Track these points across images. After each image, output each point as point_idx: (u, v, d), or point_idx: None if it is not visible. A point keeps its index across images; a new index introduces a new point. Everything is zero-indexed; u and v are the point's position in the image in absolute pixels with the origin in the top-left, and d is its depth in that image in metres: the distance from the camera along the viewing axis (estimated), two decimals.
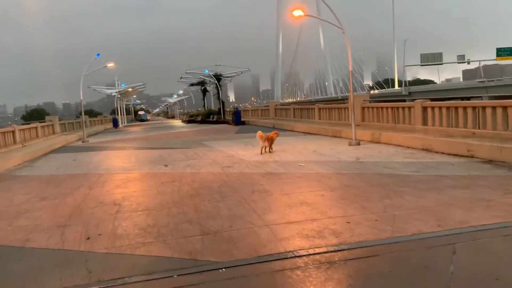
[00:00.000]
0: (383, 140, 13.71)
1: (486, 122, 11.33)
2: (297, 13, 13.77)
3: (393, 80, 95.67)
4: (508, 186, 6.89)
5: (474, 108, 11.81)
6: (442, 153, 10.78)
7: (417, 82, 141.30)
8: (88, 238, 5.48)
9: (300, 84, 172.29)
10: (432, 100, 14.49)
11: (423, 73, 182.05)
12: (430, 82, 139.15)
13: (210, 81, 48.63)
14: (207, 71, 45.13)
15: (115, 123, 45.77)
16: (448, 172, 8.43)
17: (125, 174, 10.89)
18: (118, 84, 54.11)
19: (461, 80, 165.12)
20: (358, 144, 13.59)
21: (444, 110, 12.89)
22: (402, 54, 77.69)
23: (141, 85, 59.45)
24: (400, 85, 79.44)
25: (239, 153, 13.61)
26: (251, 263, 4.25)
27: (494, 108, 11.18)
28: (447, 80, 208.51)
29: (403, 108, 14.95)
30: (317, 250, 4.45)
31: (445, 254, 4.15)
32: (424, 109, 13.68)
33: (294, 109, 28.39)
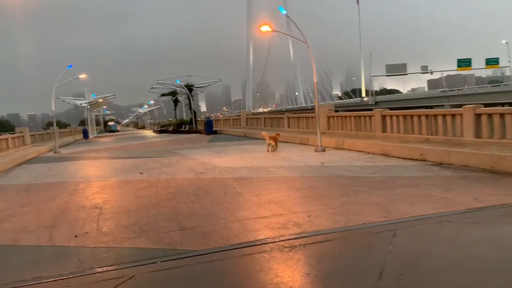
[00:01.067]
0: (346, 147, 14.69)
1: (438, 129, 12.47)
2: (265, 28, 14.70)
3: (360, 90, 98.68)
4: (450, 184, 7.86)
5: (427, 116, 12.96)
6: (399, 157, 11.79)
7: (384, 91, 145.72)
8: (76, 236, 6.03)
9: (271, 94, 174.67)
10: (391, 109, 15.63)
11: (390, 83, 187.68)
12: (396, 91, 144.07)
13: (181, 91, 49.07)
14: (178, 81, 45.60)
15: (85, 134, 45.47)
16: (400, 173, 9.39)
17: (102, 181, 11.36)
18: (88, 95, 53.71)
19: (426, 89, 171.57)
20: (324, 150, 14.51)
21: (401, 118, 14.01)
22: (369, 65, 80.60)
23: (111, 95, 59.23)
24: (367, 95, 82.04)
25: (212, 160, 14.28)
26: (225, 250, 4.95)
27: (444, 116, 12.34)
28: (413, 89, 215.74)
29: (365, 116, 16.04)
30: (281, 238, 5.19)
31: (387, 237, 4.97)
32: (383, 117, 14.79)
33: (264, 118, 29.30)
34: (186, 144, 23.94)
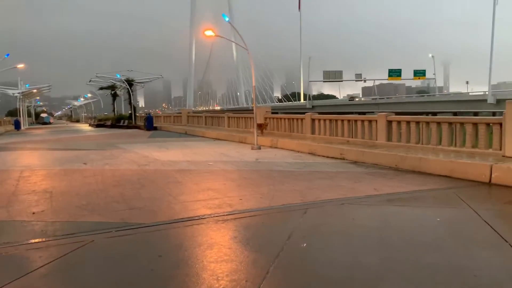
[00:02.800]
0: (280, 146, 16.18)
1: (357, 133, 14.28)
2: (208, 33, 15.77)
3: (299, 94, 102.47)
4: (359, 178, 9.46)
5: (349, 121, 14.75)
6: (323, 156, 13.39)
7: (321, 96, 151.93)
8: (34, 213, 6.80)
9: (213, 93, 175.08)
10: (322, 113, 17.36)
11: (327, 89, 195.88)
12: (333, 97, 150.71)
13: (121, 85, 48.56)
14: (119, 75, 45.16)
15: (17, 125, 43.66)
16: (321, 169, 10.93)
17: (46, 170, 11.86)
18: (21, 84, 51.34)
19: (361, 96, 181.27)
20: (259, 148, 15.87)
21: (327, 122, 15.74)
22: (307, 70, 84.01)
23: (46, 86, 57.01)
24: (305, 99, 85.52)
25: (153, 154, 15.11)
26: (169, 223, 6.04)
27: (362, 121, 14.17)
28: (349, 95, 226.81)
29: (297, 119, 17.66)
30: (217, 215, 6.37)
31: (299, 214, 6.32)
32: (313, 120, 16.46)
33: (206, 116, 30.27)
34: (126, 139, 24.33)
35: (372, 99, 72.92)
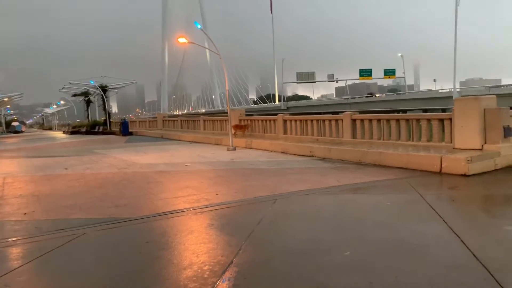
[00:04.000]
0: (254, 146, 17.00)
1: (326, 131, 15.24)
2: (182, 40, 16.46)
3: (274, 95, 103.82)
4: (324, 172, 10.36)
5: (317, 121, 15.72)
6: (294, 154, 14.27)
7: (296, 97, 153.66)
8: (25, 213, 7.38)
9: (188, 96, 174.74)
10: (294, 114, 18.28)
11: (302, 90, 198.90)
12: (307, 97, 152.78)
13: (94, 91, 48.50)
14: (93, 82, 45.15)
15: None
16: (292, 166, 11.80)
17: (29, 176, 12.31)
18: None
19: (334, 96, 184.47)
20: (234, 149, 16.65)
21: (298, 122, 16.67)
22: (281, 71, 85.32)
23: (18, 94, 56.27)
24: (280, 100, 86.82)
25: (132, 158, 15.69)
26: (153, 216, 6.76)
27: (330, 121, 15.15)
28: (323, 96, 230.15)
29: (270, 121, 18.54)
30: (195, 207, 7.12)
31: (269, 204, 7.13)
32: (285, 121, 17.37)
33: (181, 120, 30.84)
34: (103, 145, 24.69)
35: (344, 98, 74.67)
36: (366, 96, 76.62)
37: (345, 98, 74.33)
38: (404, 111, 53.99)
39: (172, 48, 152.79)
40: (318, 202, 7.33)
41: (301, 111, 69.97)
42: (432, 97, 58.87)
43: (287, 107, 76.50)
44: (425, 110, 50.55)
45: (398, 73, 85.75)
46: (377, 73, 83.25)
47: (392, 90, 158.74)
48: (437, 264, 4.14)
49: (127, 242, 5.50)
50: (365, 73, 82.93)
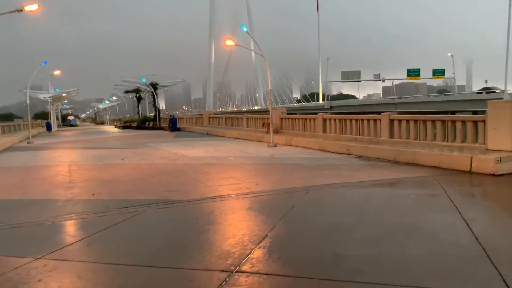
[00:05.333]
0: (293, 143, 17.85)
1: (364, 131, 15.83)
2: (229, 43, 17.57)
3: (318, 94, 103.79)
4: (359, 169, 11.07)
5: (356, 120, 16.32)
6: (332, 152, 14.99)
7: (341, 96, 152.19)
8: (93, 194, 8.67)
9: (232, 95, 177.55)
10: (332, 113, 18.93)
11: (347, 89, 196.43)
12: (352, 97, 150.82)
13: (145, 89, 50.97)
14: (144, 79, 47.64)
15: (49, 127, 46.66)
16: (328, 162, 12.57)
17: (90, 164, 13.84)
18: (51, 88, 54.48)
19: (381, 95, 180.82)
20: (275, 146, 17.57)
21: (337, 121, 17.34)
22: (326, 70, 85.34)
23: (75, 90, 60.08)
24: (323, 99, 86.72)
25: (180, 151, 17.00)
26: (201, 199, 7.82)
27: (368, 120, 15.72)
28: (369, 95, 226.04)
29: (310, 119, 19.31)
30: (237, 194, 8.12)
31: (303, 193, 8.01)
32: (324, 120, 18.08)
33: (226, 118, 32.15)
34: (153, 139, 26.38)
35: (390, 98, 73.57)
36: (391, 98, 74.97)
37: (391, 98, 73.26)
38: (453, 113, 52.79)
39: (219, 47, 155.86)
40: (347, 193, 8.12)
41: (345, 110, 69.81)
42: (482, 99, 56.93)
43: (331, 106, 76.34)
44: (474, 112, 49.15)
45: (448, 73, 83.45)
46: (426, 73, 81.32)
47: (441, 91, 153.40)
48: (441, 243, 4.88)
49: (181, 218, 6.60)
50: (413, 73, 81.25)
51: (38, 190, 9.40)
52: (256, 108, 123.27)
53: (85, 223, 6.52)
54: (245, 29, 17.96)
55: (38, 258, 4.74)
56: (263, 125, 22.45)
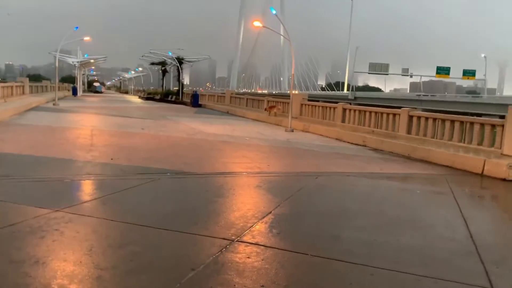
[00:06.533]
0: (311, 130, 18.00)
1: (382, 124, 15.86)
2: (257, 24, 17.67)
3: (343, 84, 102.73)
4: (372, 161, 11.21)
5: (375, 113, 16.35)
6: (348, 142, 15.09)
7: (366, 88, 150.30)
8: (112, 159, 9.08)
9: (257, 76, 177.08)
10: (353, 104, 18.94)
11: (373, 81, 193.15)
12: (378, 89, 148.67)
13: (171, 62, 51.36)
14: (170, 53, 48.03)
15: (75, 92, 47.86)
16: (342, 151, 12.72)
17: (112, 131, 14.34)
18: (80, 54, 55.53)
19: (408, 91, 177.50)
20: (292, 131, 17.77)
21: (357, 112, 17.38)
22: (354, 60, 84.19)
23: (103, 57, 61.02)
24: (349, 89, 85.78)
25: (199, 127, 17.38)
26: (213, 174, 8.15)
27: (387, 114, 15.73)
28: (395, 89, 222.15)
29: (330, 108, 19.38)
30: (248, 172, 8.42)
31: (312, 178, 8.25)
32: (344, 110, 18.14)
33: (247, 99, 32.34)
34: (175, 112, 26.87)
35: (416, 95, 72.35)
36: (417, 94, 73.48)
37: (417, 95, 72.02)
38: (479, 115, 51.73)
39: (248, 27, 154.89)
40: (355, 182, 8.33)
41: (369, 102, 68.97)
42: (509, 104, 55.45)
43: (355, 97, 75.63)
44: (501, 117, 48.08)
45: (479, 75, 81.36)
46: (456, 72, 79.47)
47: (470, 92, 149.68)
48: (435, 236, 5.09)
49: (192, 188, 6.94)
50: (443, 71, 79.51)
51: (60, 150, 9.88)
52: (274, 92, 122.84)
53: (102, 184, 6.93)
54: (274, 12, 18.01)
55: (57, 210, 5.14)
56: (265, 109, 23.11)
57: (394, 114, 15.40)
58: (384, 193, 7.49)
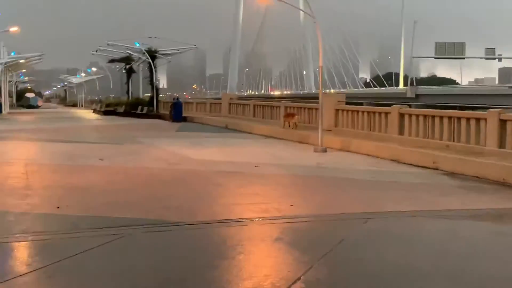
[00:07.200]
0: (353, 149, 18.02)
1: (461, 135, 15.81)
2: None
3: (398, 75, 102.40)
4: (447, 192, 11.18)
5: (450, 118, 16.34)
6: (410, 164, 15.02)
7: (433, 80, 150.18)
8: (58, 207, 9.11)
9: (267, 71, 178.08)
10: (423, 106, 18.97)
11: (442, 69, 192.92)
12: (452, 81, 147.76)
13: (139, 57, 51.92)
14: (138, 44, 48.55)
15: None
16: (401, 179, 12.78)
17: (54, 164, 14.58)
18: (3, 51, 56.06)
19: (497, 82, 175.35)
20: (325, 151, 17.77)
21: (421, 119, 17.39)
22: (411, 40, 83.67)
23: (38, 55, 62.03)
24: (406, 84, 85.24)
25: (185, 151, 17.69)
26: (210, 222, 8.18)
27: (468, 119, 15.70)
28: (477, 80, 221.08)
29: (380, 113, 19.45)
30: (263, 217, 8.44)
31: (359, 222, 8.24)
32: (402, 116, 18.18)
33: (255, 105, 32.58)
34: (147, 132, 27.35)
35: (509, 87, 71.75)
36: (509, 86, 72.55)
37: (510, 87, 71.44)
38: None
39: (249, 4, 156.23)
40: (425, 226, 8.30)
41: (439, 101, 68.47)
42: None
43: (417, 95, 75.04)
44: None
45: None
46: None
47: None
48: None
49: (179, 247, 7.00)
50: None
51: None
52: (300, 92, 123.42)
53: (46, 247, 6.99)
54: None
55: None
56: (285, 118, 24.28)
57: (478, 119, 15.36)
58: (469, 242, 7.44)
